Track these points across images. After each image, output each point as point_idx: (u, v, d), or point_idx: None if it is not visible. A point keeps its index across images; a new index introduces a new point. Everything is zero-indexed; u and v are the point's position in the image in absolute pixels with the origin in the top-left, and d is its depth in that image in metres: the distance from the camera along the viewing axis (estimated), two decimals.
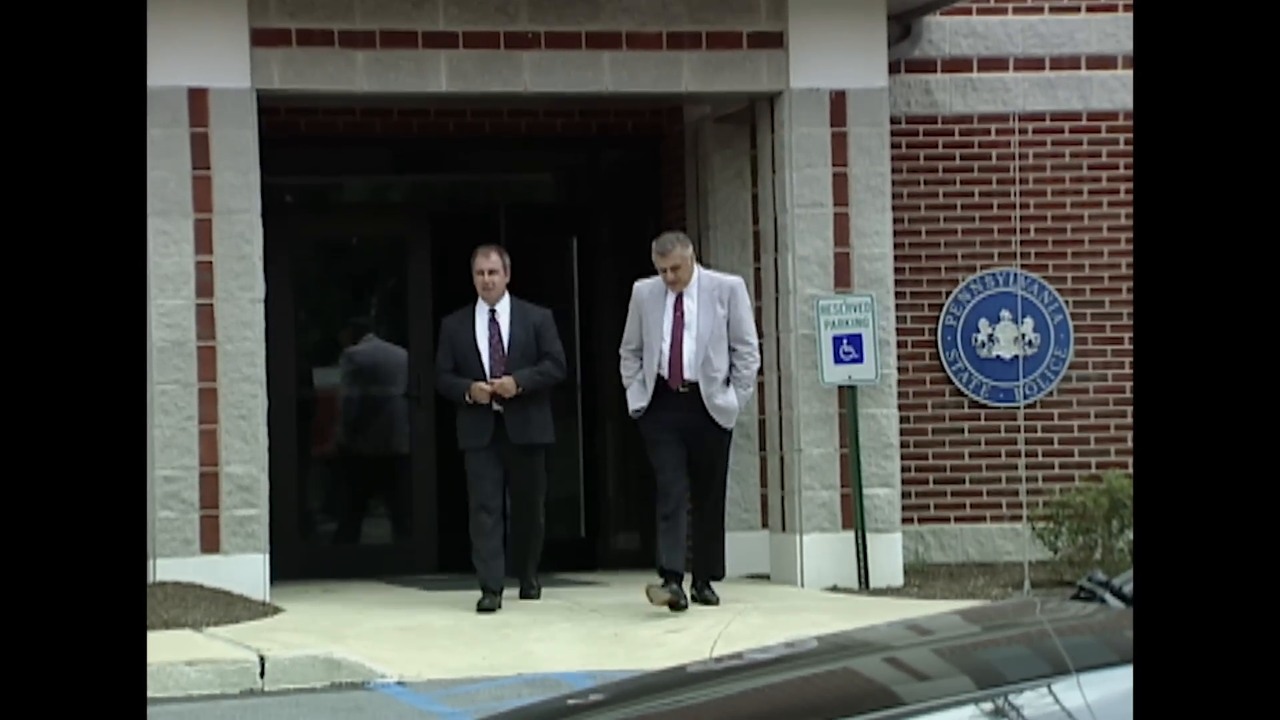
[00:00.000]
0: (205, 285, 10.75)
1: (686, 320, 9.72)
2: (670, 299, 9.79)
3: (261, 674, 8.58)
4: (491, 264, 10.22)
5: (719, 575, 9.98)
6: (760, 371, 10.36)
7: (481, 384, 10.08)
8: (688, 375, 9.73)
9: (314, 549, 12.49)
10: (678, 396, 9.70)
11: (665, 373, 9.72)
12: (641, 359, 9.85)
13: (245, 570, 10.62)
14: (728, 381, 9.77)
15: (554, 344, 10.25)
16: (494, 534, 10.15)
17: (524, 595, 10.31)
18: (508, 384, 10.07)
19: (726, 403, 9.75)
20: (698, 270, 9.84)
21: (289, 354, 12.23)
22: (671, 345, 9.72)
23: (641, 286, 9.91)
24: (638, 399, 9.78)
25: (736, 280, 10.02)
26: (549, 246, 13.10)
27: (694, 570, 9.90)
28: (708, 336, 9.69)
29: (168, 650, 8.77)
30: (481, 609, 9.96)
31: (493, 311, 10.23)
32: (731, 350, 9.77)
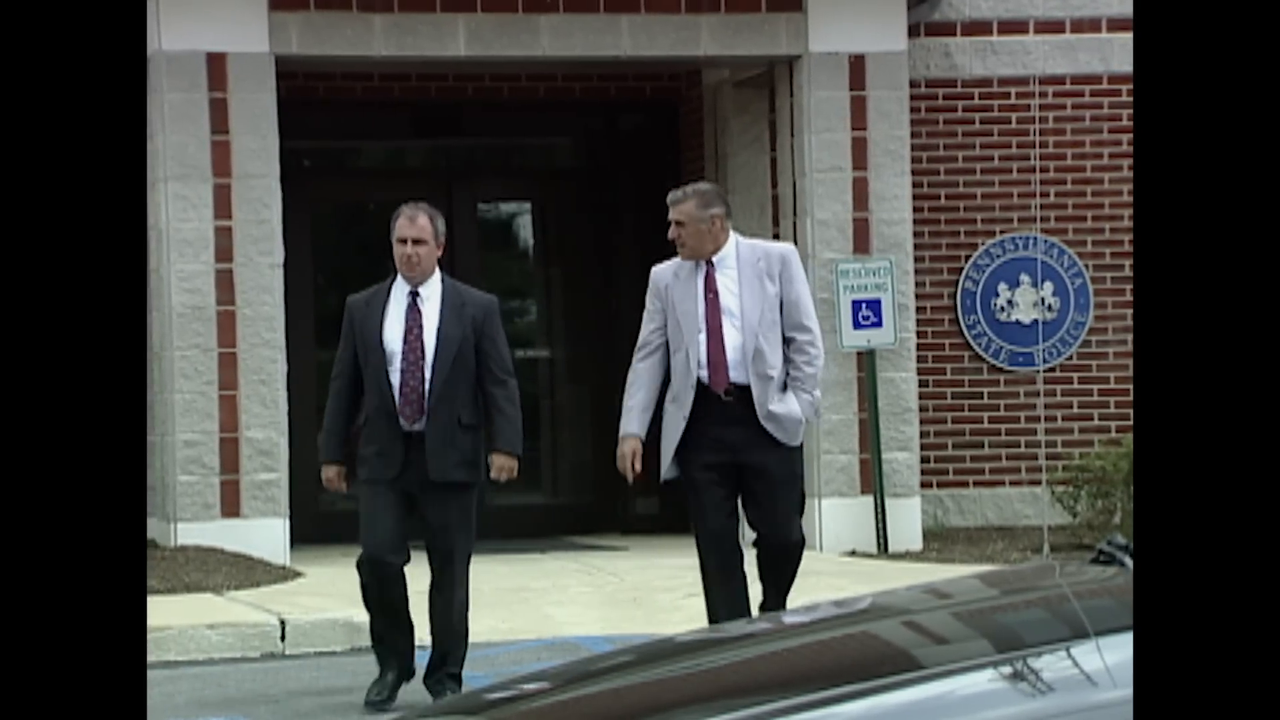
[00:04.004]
0: (224, 250, 10.77)
1: (724, 303, 7.15)
2: (700, 277, 7.17)
3: (282, 637, 8.62)
4: (418, 230, 7.10)
5: None
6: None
7: (333, 480, 7.18)
8: (734, 376, 7.10)
9: (333, 513, 12.53)
10: (722, 407, 7.08)
11: (705, 375, 7.11)
12: (664, 366, 7.22)
13: (265, 534, 10.66)
14: (785, 385, 7.17)
15: (501, 348, 7.19)
16: (399, 605, 7.24)
17: (433, 689, 7.20)
18: (510, 466, 7.25)
19: (786, 411, 7.10)
20: (734, 239, 7.26)
21: (308, 319, 12.25)
22: (709, 337, 7.13)
23: (661, 271, 7.32)
24: (631, 422, 7.23)
25: (787, 248, 7.47)
26: (567, 210, 13.09)
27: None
28: (757, 321, 7.11)
29: (189, 614, 8.82)
30: (373, 703, 7.16)
31: (415, 294, 7.13)
32: (787, 341, 7.18)
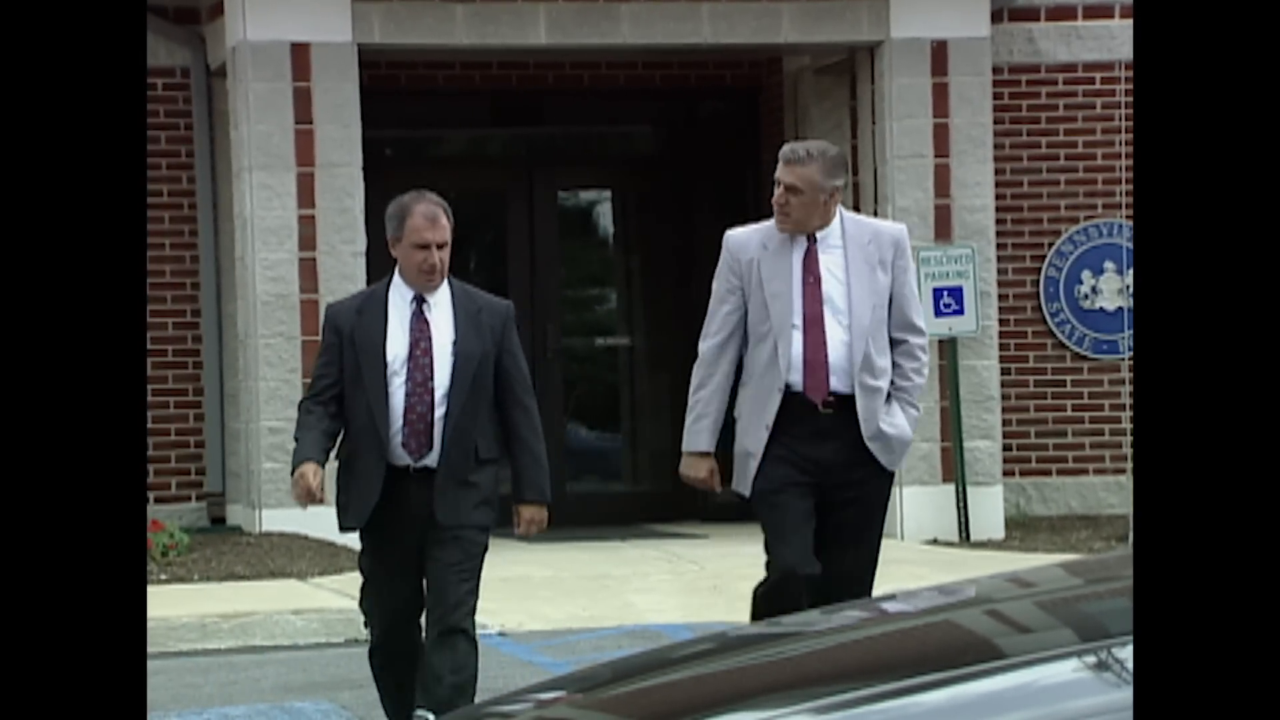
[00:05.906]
0: (307, 239, 10.85)
1: (826, 290, 5.74)
2: (798, 254, 5.76)
3: (365, 624, 8.68)
4: (441, 232, 5.79)
5: None
6: None
7: (307, 474, 5.68)
8: (836, 384, 5.72)
9: None
10: (815, 419, 5.74)
11: (798, 381, 5.74)
12: (737, 365, 5.87)
13: None
14: (889, 396, 5.80)
15: (522, 363, 5.85)
16: (410, 668, 6.01)
17: None
18: (541, 519, 5.88)
19: (897, 429, 5.76)
20: (841, 214, 5.83)
21: None
22: (806, 332, 5.73)
23: (743, 239, 5.87)
24: (703, 438, 5.88)
25: (900, 230, 5.95)
26: (647, 198, 13.10)
27: None
28: (868, 320, 5.73)
29: (274, 599, 8.91)
30: None
31: (420, 300, 5.79)
32: (895, 344, 5.81)
